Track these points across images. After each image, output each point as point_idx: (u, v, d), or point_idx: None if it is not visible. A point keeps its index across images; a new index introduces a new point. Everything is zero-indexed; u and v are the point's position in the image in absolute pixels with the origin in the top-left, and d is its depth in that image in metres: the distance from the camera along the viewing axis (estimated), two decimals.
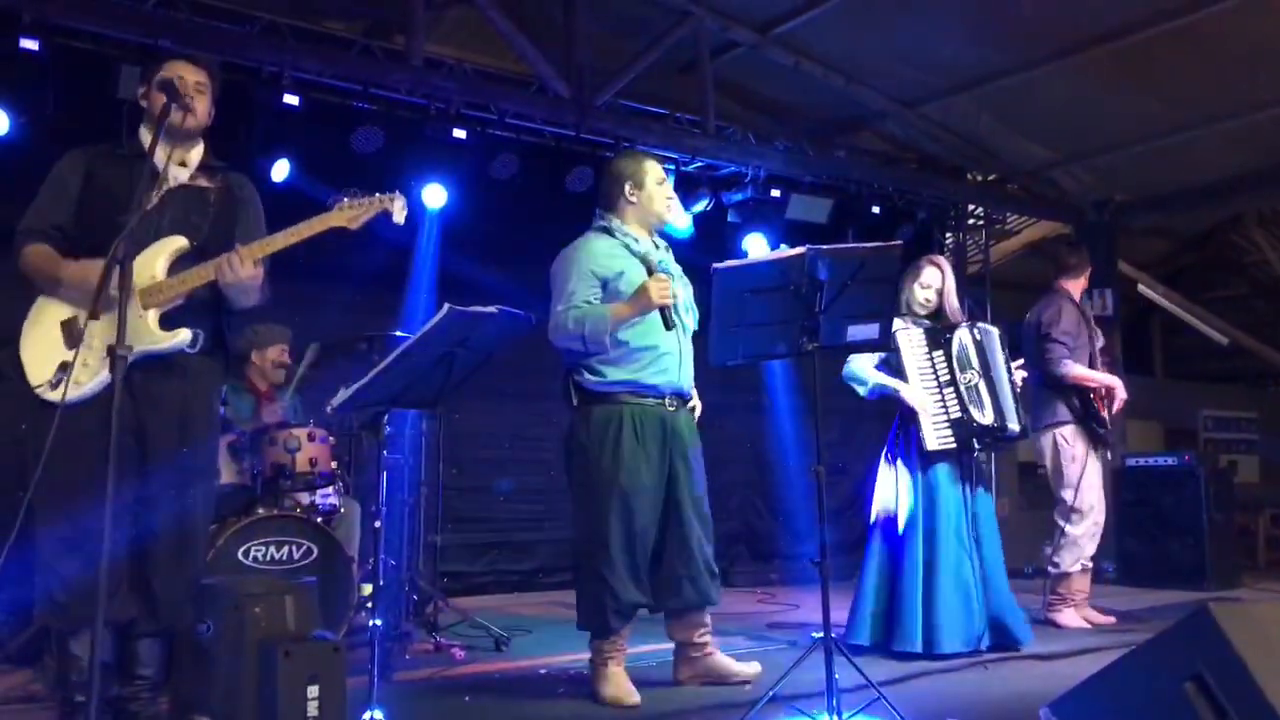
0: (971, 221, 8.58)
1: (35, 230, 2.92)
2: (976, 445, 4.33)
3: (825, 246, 3.15)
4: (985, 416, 4.31)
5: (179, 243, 2.90)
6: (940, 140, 7.28)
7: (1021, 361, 4.69)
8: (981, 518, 4.33)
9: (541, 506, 6.66)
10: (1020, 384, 4.52)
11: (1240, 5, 5.45)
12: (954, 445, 4.26)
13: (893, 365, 4.39)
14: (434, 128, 5.69)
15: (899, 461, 4.37)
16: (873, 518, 4.42)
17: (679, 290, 3.56)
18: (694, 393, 3.74)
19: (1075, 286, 5.40)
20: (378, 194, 2.92)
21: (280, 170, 5.33)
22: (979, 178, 7.95)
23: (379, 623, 2.95)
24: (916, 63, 6.43)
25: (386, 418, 3.09)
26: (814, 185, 7.05)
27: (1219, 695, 2.09)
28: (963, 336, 4.39)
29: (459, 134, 5.75)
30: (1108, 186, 7.85)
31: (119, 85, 4.71)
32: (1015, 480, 8.64)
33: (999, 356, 4.43)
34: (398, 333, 4.44)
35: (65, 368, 2.76)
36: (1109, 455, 5.32)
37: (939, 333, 4.39)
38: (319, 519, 4.23)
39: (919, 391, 4.30)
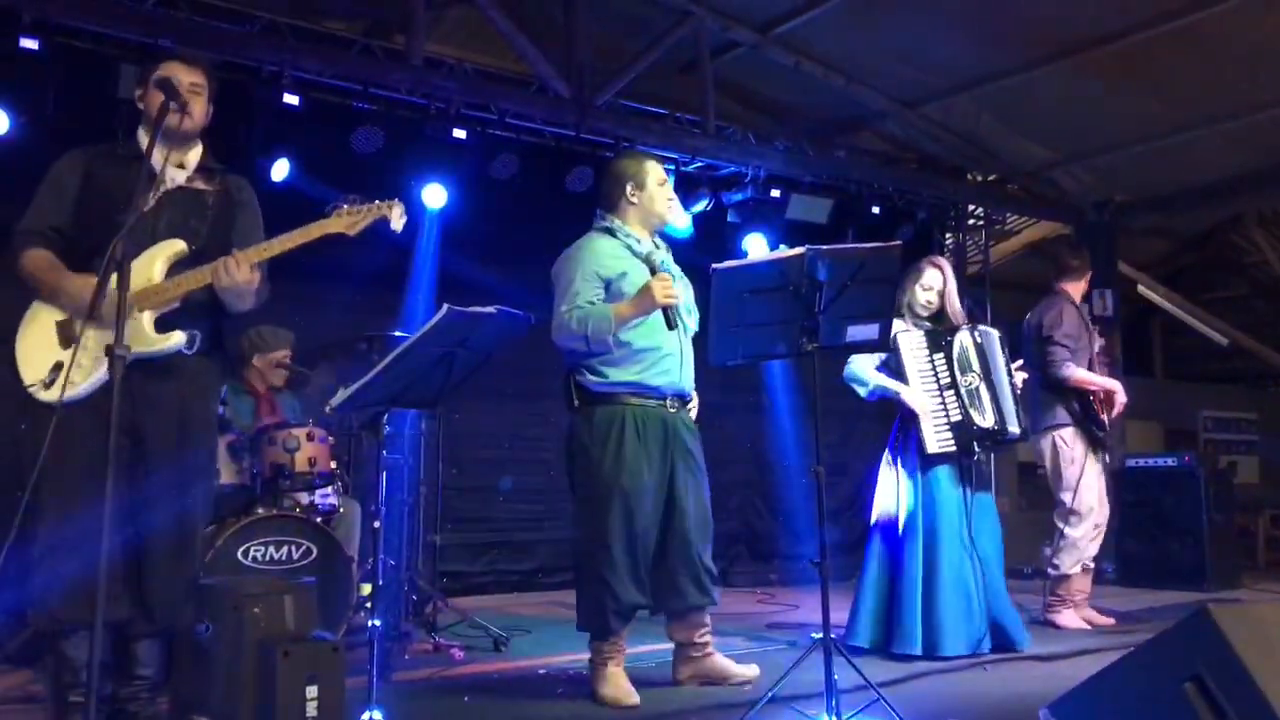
0: (971, 222, 8.59)
1: (34, 231, 2.91)
2: (977, 448, 4.32)
3: (825, 247, 3.15)
4: (986, 419, 4.31)
5: (177, 246, 2.89)
6: (940, 140, 7.28)
7: (1021, 363, 4.68)
8: (982, 519, 4.33)
9: (541, 506, 6.65)
10: (1020, 386, 4.51)
11: (1240, 5, 5.45)
12: (954, 448, 4.26)
13: (893, 367, 4.39)
14: (434, 127, 5.69)
15: (899, 463, 4.37)
16: (873, 520, 4.42)
17: (680, 291, 3.56)
18: (694, 394, 3.74)
19: (1076, 289, 5.39)
20: (376, 201, 2.92)
21: (280, 170, 5.33)
22: (979, 178, 7.95)
23: (378, 623, 2.95)
24: (916, 63, 6.43)
25: (386, 418, 3.09)
26: (814, 185, 7.05)
27: (1218, 696, 2.09)
28: (963, 339, 4.39)
29: (459, 134, 5.75)
30: (1108, 187, 7.85)
31: (119, 85, 4.71)
32: (1015, 481, 8.64)
33: (999, 359, 4.43)
34: (398, 333, 4.44)
35: (59, 368, 2.76)
36: (1107, 458, 5.31)
37: (939, 335, 4.39)
38: (318, 519, 4.22)
39: (919, 394, 4.30)
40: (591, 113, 6.01)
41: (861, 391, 4.43)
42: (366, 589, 4.17)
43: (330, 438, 4.36)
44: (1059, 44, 6.05)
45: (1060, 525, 5.12)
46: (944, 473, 4.28)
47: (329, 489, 4.53)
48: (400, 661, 4.10)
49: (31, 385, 2.80)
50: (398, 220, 2.93)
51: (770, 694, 3.10)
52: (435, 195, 5.89)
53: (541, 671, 4.03)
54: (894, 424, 4.44)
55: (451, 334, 2.90)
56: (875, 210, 7.33)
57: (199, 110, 2.98)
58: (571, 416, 3.62)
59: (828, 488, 3.10)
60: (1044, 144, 7.41)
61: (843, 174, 7.21)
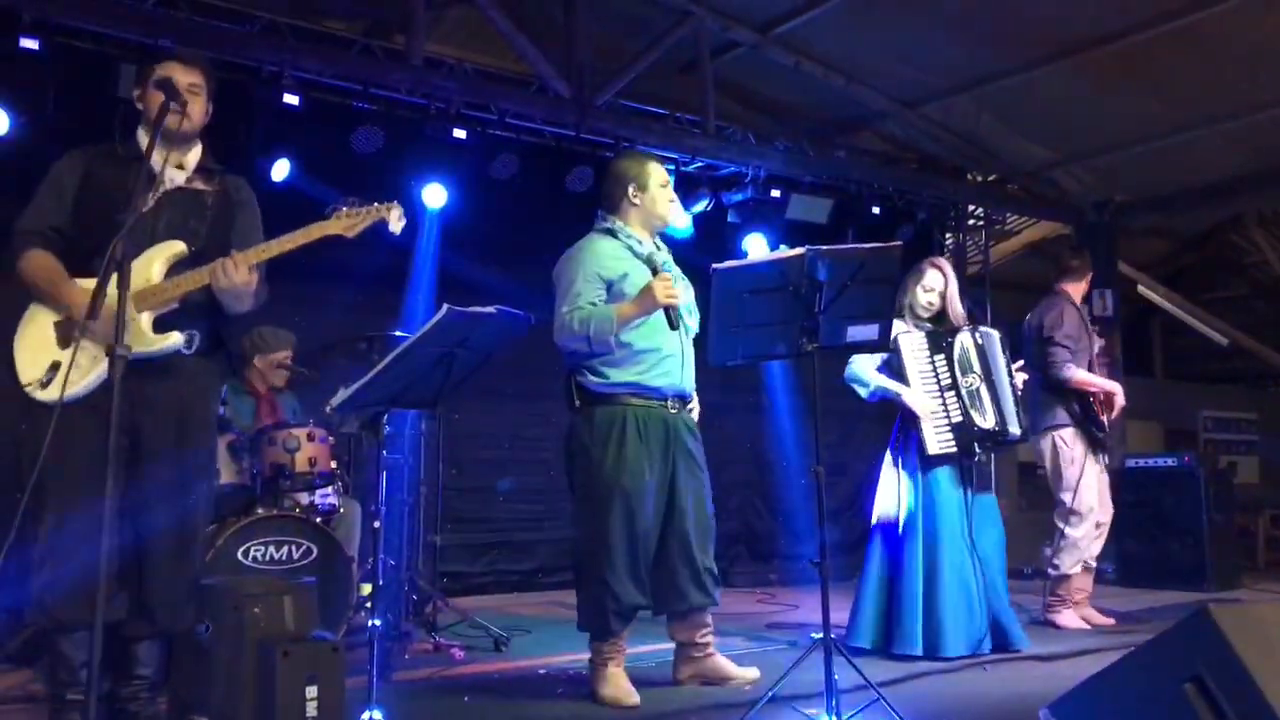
0: (971, 222, 8.59)
1: (33, 232, 2.90)
2: (977, 449, 4.32)
3: (825, 247, 3.15)
4: (986, 420, 4.31)
5: (177, 248, 2.88)
6: (940, 140, 7.28)
7: (1021, 363, 4.68)
8: (984, 520, 4.33)
9: (541, 506, 6.65)
10: (1021, 387, 4.51)
11: (1240, 5, 5.45)
12: (955, 449, 4.26)
13: (894, 368, 4.39)
14: (434, 127, 5.69)
15: (900, 464, 4.37)
16: (874, 520, 4.42)
17: (681, 291, 3.56)
18: (694, 395, 3.74)
19: (1076, 289, 5.39)
20: (375, 203, 2.92)
21: (280, 170, 5.33)
22: (979, 178, 7.95)
23: (378, 623, 2.95)
24: (916, 63, 6.43)
25: (386, 418, 3.09)
26: (814, 185, 7.05)
27: (1218, 696, 2.09)
28: (964, 340, 4.39)
29: (459, 134, 5.75)
30: (1108, 187, 7.85)
31: (119, 85, 4.71)
32: (1015, 481, 8.64)
33: (1000, 360, 4.43)
34: (398, 333, 4.44)
35: (56, 368, 2.75)
36: (1107, 459, 5.32)
37: (940, 337, 4.39)
38: (318, 519, 4.23)
39: (920, 395, 4.30)
40: (591, 113, 6.01)
41: (862, 392, 4.43)
42: (366, 589, 4.17)
43: (330, 438, 4.37)
44: (1059, 44, 6.05)
45: (1060, 525, 5.12)
46: (945, 474, 4.28)
47: (329, 489, 4.54)
48: (400, 661, 4.10)
49: (28, 385, 2.79)
50: (396, 222, 2.93)
51: (770, 694, 3.11)
52: (435, 195, 5.89)
53: (542, 671, 4.03)
54: (895, 425, 4.44)
55: (451, 334, 2.90)
56: (875, 210, 7.34)
57: (198, 110, 2.97)
58: (572, 417, 3.62)
59: (828, 488, 3.10)
60: (1044, 144, 7.41)
61: (843, 174, 7.21)
